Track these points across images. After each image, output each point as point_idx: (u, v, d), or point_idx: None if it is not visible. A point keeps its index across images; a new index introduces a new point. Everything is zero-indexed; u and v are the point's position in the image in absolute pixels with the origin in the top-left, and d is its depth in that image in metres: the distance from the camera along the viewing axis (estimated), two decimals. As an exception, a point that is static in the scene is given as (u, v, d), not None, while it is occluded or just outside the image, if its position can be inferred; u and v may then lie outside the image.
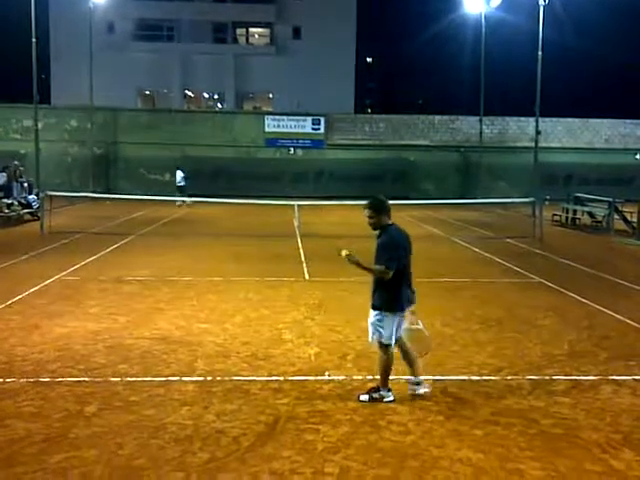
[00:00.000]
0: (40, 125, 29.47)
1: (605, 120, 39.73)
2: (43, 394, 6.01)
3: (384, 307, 5.81)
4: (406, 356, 6.11)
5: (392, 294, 5.80)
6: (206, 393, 6.11)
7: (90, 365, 6.86)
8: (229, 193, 29.36)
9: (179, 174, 30.34)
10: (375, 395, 5.94)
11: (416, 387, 6.10)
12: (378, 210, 5.87)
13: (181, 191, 29.82)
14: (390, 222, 5.91)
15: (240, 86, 47.28)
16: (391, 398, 5.95)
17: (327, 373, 6.72)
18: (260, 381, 6.45)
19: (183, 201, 28.49)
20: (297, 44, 46.67)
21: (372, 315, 5.89)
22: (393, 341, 5.86)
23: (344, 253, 5.85)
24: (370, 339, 5.98)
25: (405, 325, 6.01)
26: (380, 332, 5.83)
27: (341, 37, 45.31)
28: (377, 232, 5.96)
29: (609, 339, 8.15)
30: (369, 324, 5.93)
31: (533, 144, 30.88)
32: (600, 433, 5.34)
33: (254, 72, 46.16)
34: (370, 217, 5.90)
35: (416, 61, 71.57)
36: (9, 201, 21.25)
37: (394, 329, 5.82)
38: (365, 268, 5.87)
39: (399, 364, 7.05)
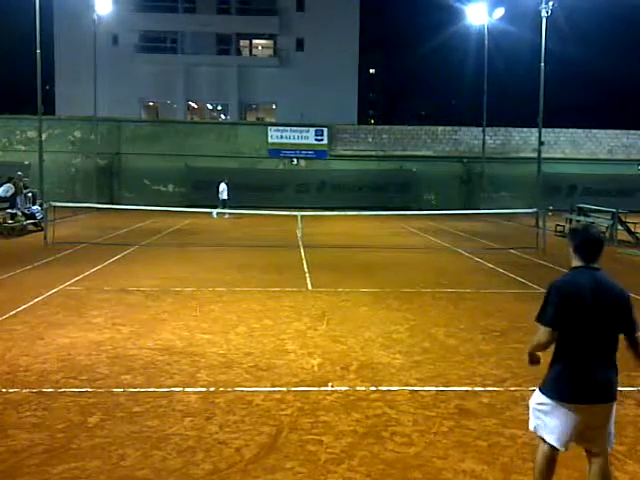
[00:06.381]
0: (44, 136, 29.63)
1: (608, 131, 39.79)
2: (46, 404, 6.00)
3: (543, 386, 4.07)
4: None
5: (554, 370, 4.03)
6: (209, 404, 6.09)
7: (93, 376, 6.85)
8: (232, 204, 29.45)
9: (222, 186, 30.32)
10: None
11: None
12: (569, 243, 4.11)
13: (223, 204, 29.58)
14: (582, 265, 4.00)
15: (243, 97, 47.52)
16: None
17: (330, 384, 6.70)
18: (263, 392, 6.43)
19: (223, 213, 28.48)
20: (300, 56, 46.91)
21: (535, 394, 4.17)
22: (555, 442, 3.99)
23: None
24: (530, 426, 4.20)
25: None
26: (539, 420, 4.08)
27: (344, 48, 45.56)
28: None
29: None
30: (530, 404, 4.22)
31: (536, 155, 30.93)
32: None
33: (257, 83, 46.41)
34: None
35: (419, 72, 71.96)
36: (13, 211, 21.31)
37: (558, 424, 3.95)
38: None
39: (399, 374, 7.05)
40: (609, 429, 4.00)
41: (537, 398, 4.09)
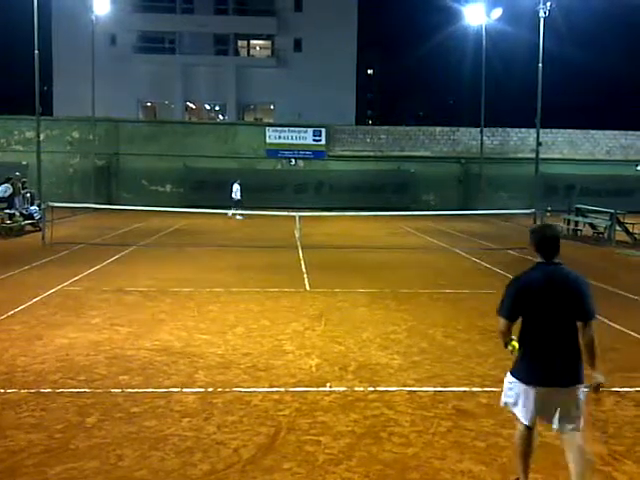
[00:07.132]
0: (42, 136, 29.63)
1: (606, 131, 39.86)
2: (44, 405, 6.00)
3: (513, 367, 4.48)
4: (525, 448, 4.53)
5: (520, 354, 4.42)
6: (207, 404, 6.09)
7: (91, 376, 6.85)
8: (230, 204, 29.41)
9: (236, 186, 30.24)
10: None
11: None
12: (530, 244, 4.40)
13: (236, 204, 29.48)
14: (542, 262, 4.30)
15: (241, 98, 47.50)
16: None
17: (328, 384, 6.70)
18: (261, 392, 6.43)
19: (240, 214, 28.45)
20: (298, 56, 46.91)
21: None
22: (521, 418, 4.39)
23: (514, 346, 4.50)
24: (501, 402, 4.60)
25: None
26: (509, 397, 4.46)
27: (342, 49, 45.56)
28: None
29: (612, 351, 8.07)
30: None
31: (534, 155, 30.96)
32: (602, 445, 5.32)
33: (255, 84, 46.39)
34: None
35: (417, 73, 71.99)
36: (11, 212, 21.30)
37: (522, 402, 4.33)
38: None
39: (397, 374, 7.05)
40: (575, 411, 4.29)
41: (508, 377, 4.49)
